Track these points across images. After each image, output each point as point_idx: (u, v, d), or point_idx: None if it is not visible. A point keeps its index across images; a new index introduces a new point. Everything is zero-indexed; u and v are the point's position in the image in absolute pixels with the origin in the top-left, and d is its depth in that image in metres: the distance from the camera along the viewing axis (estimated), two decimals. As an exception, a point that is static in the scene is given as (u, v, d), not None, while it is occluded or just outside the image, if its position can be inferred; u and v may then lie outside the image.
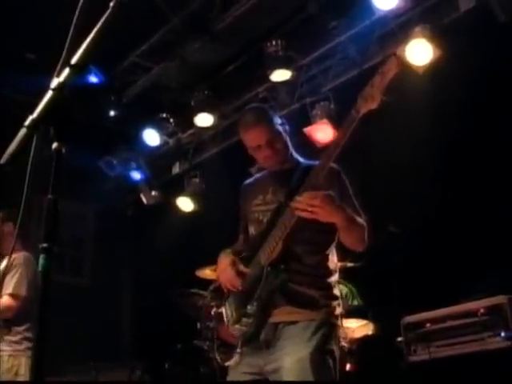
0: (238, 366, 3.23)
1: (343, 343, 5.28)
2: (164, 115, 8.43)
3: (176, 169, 9.42)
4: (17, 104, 7.13)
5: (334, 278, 3.34)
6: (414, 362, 5.23)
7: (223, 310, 3.45)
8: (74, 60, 1.86)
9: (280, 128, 3.42)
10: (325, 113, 7.00)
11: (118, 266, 9.88)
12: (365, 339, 5.87)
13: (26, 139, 1.76)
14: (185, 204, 8.69)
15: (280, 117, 3.56)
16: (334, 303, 3.27)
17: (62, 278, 8.66)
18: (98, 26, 1.94)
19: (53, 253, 1.74)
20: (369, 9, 6.29)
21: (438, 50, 5.96)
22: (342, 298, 4.59)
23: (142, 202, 9.15)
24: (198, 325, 6.02)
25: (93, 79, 7.19)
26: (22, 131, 1.77)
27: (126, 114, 8.22)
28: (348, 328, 5.76)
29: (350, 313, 5.80)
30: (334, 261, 3.39)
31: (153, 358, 7.04)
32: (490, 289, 4.97)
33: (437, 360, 5.05)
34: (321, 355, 3.06)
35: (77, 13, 1.98)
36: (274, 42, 6.87)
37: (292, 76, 7.14)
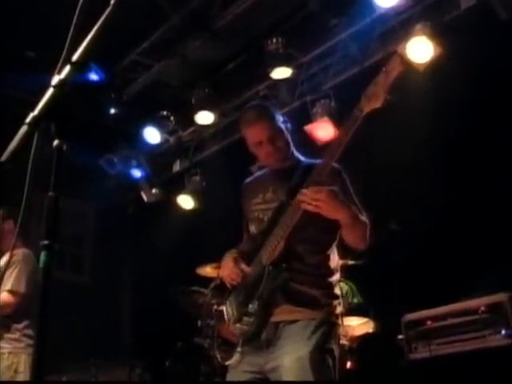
0: (239, 364, 3.22)
1: (344, 341, 5.29)
2: (164, 113, 8.43)
3: (176, 167, 9.43)
4: (17, 102, 7.13)
5: (335, 277, 3.34)
6: (415, 359, 5.23)
7: (224, 308, 3.45)
8: (74, 57, 1.86)
9: (282, 125, 3.41)
10: (325, 111, 7.00)
11: (118, 264, 9.88)
12: (365, 337, 5.87)
13: (27, 136, 1.76)
14: (185, 202, 8.69)
15: (282, 114, 3.56)
16: (335, 302, 3.26)
17: (62, 276, 8.66)
18: (99, 23, 1.94)
19: (54, 250, 1.74)
20: (369, 6, 6.29)
21: (438, 48, 5.96)
22: (342, 296, 4.60)
23: (142, 199, 9.16)
24: (199, 323, 6.02)
25: (93, 77, 7.20)
26: (23, 128, 1.77)
27: (126, 111, 8.23)
28: (349, 326, 5.76)
29: (351, 311, 5.80)
30: (335, 260, 3.38)
31: (153, 356, 7.04)
32: (490, 287, 4.97)
33: (437, 358, 5.05)
34: (320, 354, 3.05)
35: (77, 11, 1.98)
36: (274, 40, 6.87)
37: (292, 74, 7.14)
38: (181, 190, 8.77)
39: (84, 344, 8.16)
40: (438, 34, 5.98)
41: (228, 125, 8.39)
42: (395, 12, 6.38)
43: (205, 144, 8.98)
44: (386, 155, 6.30)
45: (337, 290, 3.33)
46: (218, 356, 3.46)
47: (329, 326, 3.16)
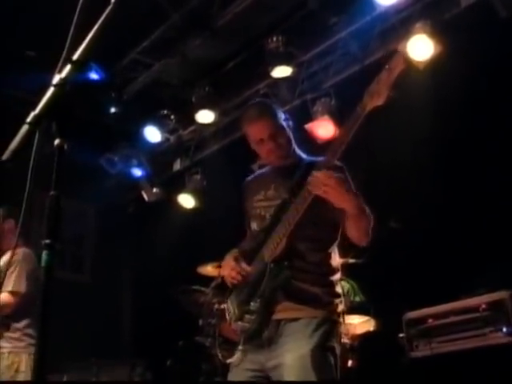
0: (240, 362, 3.22)
1: (345, 339, 5.29)
2: (165, 112, 8.43)
3: (177, 166, 9.43)
4: (17, 101, 7.13)
5: (337, 275, 3.33)
6: (416, 357, 5.23)
7: (225, 306, 3.44)
8: (75, 56, 1.86)
9: (283, 123, 3.41)
10: (326, 109, 7.00)
11: (118, 263, 9.88)
12: (367, 335, 5.87)
13: (28, 135, 1.76)
14: (186, 201, 8.69)
15: (284, 112, 3.55)
16: (337, 300, 3.26)
17: (62, 275, 8.66)
18: (99, 22, 1.94)
19: (55, 249, 1.74)
20: (369, 4, 6.29)
21: (438, 46, 5.95)
22: (343, 294, 4.60)
23: (143, 198, 9.16)
24: (200, 322, 6.02)
25: (93, 76, 7.19)
26: (24, 127, 1.77)
27: (126, 110, 8.22)
28: (350, 324, 5.76)
29: (352, 309, 5.80)
30: (336, 259, 3.38)
31: (154, 355, 7.04)
32: (491, 284, 4.97)
33: (439, 356, 5.05)
34: (322, 352, 3.06)
35: (78, 10, 1.98)
36: (274, 39, 6.86)
37: (293, 72, 7.14)
38: (181, 189, 8.77)
39: (85, 343, 8.16)
40: (438, 32, 5.97)
41: (228, 124, 8.38)
42: (395, 10, 6.38)
43: (205, 143, 8.98)
44: (387, 153, 6.29)
45: (338, 289, 3.32)
46: (220, 354, 3.46)
47: (330, 324, 3.16)
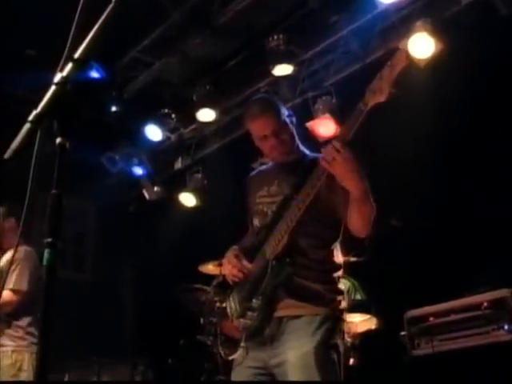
0: (243, 360, 3.22)
1: (346, 338, 5.29)
2: (166, 110, 8.42)
3: (178, 164, 9.42)
4: (17, 100, 7.13)
5: (339, 272, 3.33)
6: (418, 355, 5.24)
7: (227, 303, 3.44)
8: (76, 55, 1.86)
9: (286, 119, 3.40)
10: (327, 107, 6.99)
11: (119, 262, 9.88)
12: (368, 334, 5.87)
13: (30, 134, 1.76)
14: (187, 199, 8.69)
15: (287, 108, 3.55)
16: (339, 297, 3.25)
17: (63, 274, 8.66)
18: (101, 21, 1.94)
19: (57, 247, 1.74)
20: (370, 3, 6.28)
21: (439, 44, 5.95)
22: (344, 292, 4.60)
23: (144, 197, 9.16)
24: (202, 320, 6.03)
25: (94, 75, 7.19)
26: (26, 126, 1.77)
27: (127, 109, 8.22)
28: (351, 323, 5.76)
29: (353, 307, 5.80)
30: (338, 256, 3.37)
31: (156, 354, 7.05)
32: (493, 282, 4.97)
33: (440, 354, 5.06)
34: (325, 349, 3.05)
35: (79, 8, 1.98)
36: (275, 37, 6.85)
37: (294, 71, 7.13)
38: (182, 187, 8.77)
39: (86, 342, 8.16)
40: (438, 30, 5.97)
41: (229, 122, 8.38)
42: (396, 8, 6.37)
43: (206, 141, 8.97)
44: (388, 151, 6.28)
45: (341, 285, 3.32)
46: (222, 352, 3.46)
47: (333, 322, 3.15)
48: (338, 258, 3.36)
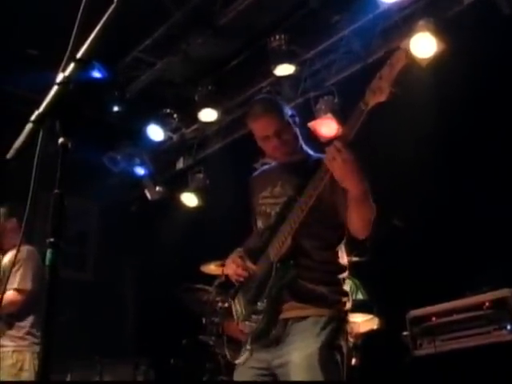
0: (246, 360, 3.22)
1: (349, 338, 5.28)
2: (168, 110, 8.43)
3: (180, 164, 9.43)
4: (19, 100, 7.14)
5: (344, 274, 3.31)
6: (420, 355, 5.23)
7: (232, 306, 3.43)
8: (79, 54, 1.86)
9: (290, 119, 3.40)
10: (329, 107, 6.98)
11: (122, 261, 9.87)
12: (370, 334, 5.87)
13: (32, 134, 1.76)
14: (189, 199, 8.69)
15: (290, 108, 3.54)
16: (344, 299, 3.25)
17: (65, 273, 8.64)
18: (103, 20, 1.95)
19: (60, 247, 1.74)
20: (372, 2, 6.28)
21: (441, 44, 5.94)
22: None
23: (146, 197, 9.15)
24: (203, 320, 6.02)
25: (96, 75, 7.19)
26: (28, 126, 1.77)
27: (129, 109, 8.22)
28: (353, 323, 5.75)
29: (355, 307, 5.78)
30: (344, 257, 3.35)
31: (158, 354, 7.05)
32: (495, 282, 4.97)
33: (442, 354, 5.05)
34: (329, 351, 3.05)
35: (81, 8, 1.98)
36: (277, 37, 6.85)
37: (296, 70, 7.13)
38: (184, 187, 8.77)
39: (88, 342, 8.16)
40: (440, 29, 5.96)
41: (231, 122, 8.39)
42: (398, 8, 6.36)
43: (208, 141, 8.97)
44: (390, 151, 6.28)
45: (346, 287, 3.30)
46: (228, 354, 3.45)
47: (338, 323, 3.15)
48: (343, 259, 3.35)
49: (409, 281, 5.74)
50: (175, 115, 8.48)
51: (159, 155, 9.36)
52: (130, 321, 9.88)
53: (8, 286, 4.88)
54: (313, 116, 7.05)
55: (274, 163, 3.61)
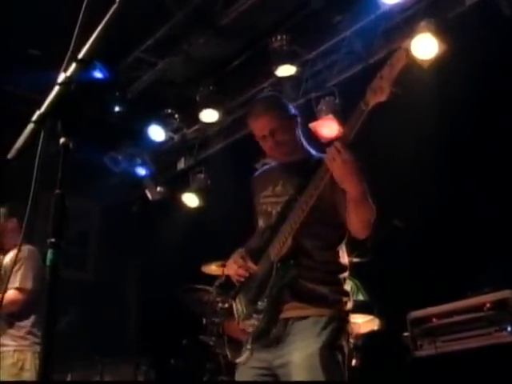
0: (247, 361, 3.22)
1: (350, 339, 5.28)
2: (169, 111, 8.43)
3: (181, 164, 9.44)
4: (19, 100, 7.14)
5: (345, 274, 3.31)
6: (421, 356, 5.23)
7: (233, 305, 3.43)
8: (80, 55, 1.86)
9: (292, 118, 3.40)
10: (330, 108, 6.98)
11: (123, 262, 9.88)
12: (371, 335, 5.87)
13: (34, 134, 1.76)
14: (190, 200, 8.69)
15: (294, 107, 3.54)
16: (345, 299, 3.24)
17: (66, 273, 8.64)
18: (105, 21, 1.95)
19: (61, 248, 1.74)
20: (374, 3, 6.28)
21: (443, 45, 5.94)
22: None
23: (147, 197, 9.16)
24: (204, 320, 6.02)
25: (98, 75, 7.19)
26: (29, 126, 1.77)
27: (130, 109, 8.23)
28: (354, 323, 5.74)
29: (356, 308, 5.77)
30: (345, 257, 3.35)
31: (158, 354, 7.05)
32: (496, 283, 4.97)
33: (443, 355, 5.06)
34: (330, 351, 3.04)
35: (83, 8, 1.98)
36: (278, 37, 6.84)
37: (297, 71, 7.13)
38: (185, 187, 8.77)
39: (89, 341, 8.16)
40: (442, 30, 5.96)
41: (232, 122, 8.39)
42: (400, 8, 6.36)
43: (209, 142, 8.98)
44: (390, 151, 6.28)
45: (346, 287, 3.30)
46: (228, 354, 3.45)
47: (339, 323, 3.14)
48: (344, 259, 3.34)
49: (409, 281, 5.74)
50: (176, 115, 8.48)
51: (160, 155, 9.37)
52: (131, 321, 9.89)
53: (9, 286, 4.89)
54: (314, 117, 7.05)
55: (274, 163, 3.61)
